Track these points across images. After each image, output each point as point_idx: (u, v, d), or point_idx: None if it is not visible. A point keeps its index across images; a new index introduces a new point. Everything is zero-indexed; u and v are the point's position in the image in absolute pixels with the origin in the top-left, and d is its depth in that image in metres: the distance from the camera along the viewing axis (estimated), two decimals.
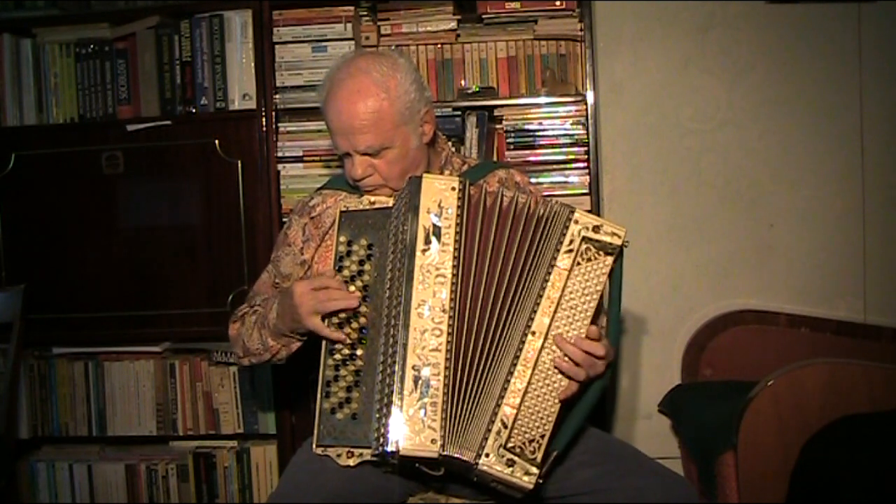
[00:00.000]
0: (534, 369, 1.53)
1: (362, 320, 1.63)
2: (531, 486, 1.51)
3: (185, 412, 2.67)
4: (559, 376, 1.54)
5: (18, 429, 2.67)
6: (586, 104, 2.54)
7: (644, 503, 1.59)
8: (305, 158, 2.58)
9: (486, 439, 1.51)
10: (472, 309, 1.55)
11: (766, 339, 2.70)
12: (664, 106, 2.77)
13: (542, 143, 2.56)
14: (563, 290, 1.54)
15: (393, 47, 2.56)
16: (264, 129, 2.57)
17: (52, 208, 2.63)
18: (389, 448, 1.49)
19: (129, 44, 2.63)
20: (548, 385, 1.54)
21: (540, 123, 2.56)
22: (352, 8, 2.58)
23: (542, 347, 1.53)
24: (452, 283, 1.54)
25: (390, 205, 1.66)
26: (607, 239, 1.56)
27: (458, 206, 1.57)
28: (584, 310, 1.54)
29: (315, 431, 1.63)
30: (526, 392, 1.52)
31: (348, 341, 1.63)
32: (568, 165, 2.55)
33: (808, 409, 2.10)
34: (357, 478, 1.61)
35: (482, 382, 1.54)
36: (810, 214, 2.75)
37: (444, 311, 1.53)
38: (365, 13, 2.63)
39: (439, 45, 2.63)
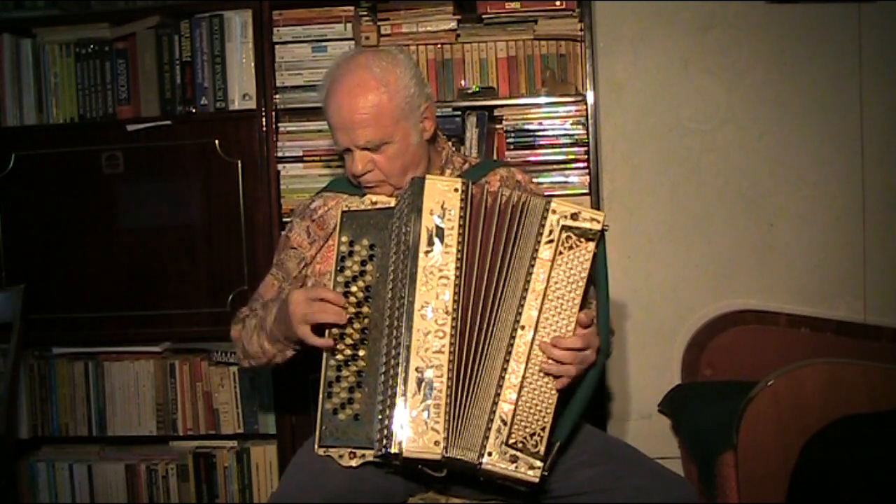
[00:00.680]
0: (527, 363, 1.53)
1: (364, 321, 1.63)
2: (537, 480, 1.51)
3: (185, 412, 2.67)
4: None
5: (18, 429, 2.67)
6: (586, 104, 2.54)
7: (644, 503, 1.59)
8: (305, 158, 2.58)
9: (488, 438, 1.51)
10: (474, 310, 1.56)
11: (766, 339, 2.70)
12: (664, 106, 2.77)
13: (542, 143, 2.56)
14: (548, 281, 1.54)
15: (394, 48, 2.56)
16: (264, 129, 2.57)
17: (52, 208, 2.63)
18: (392, 449, 1.49)
19: (129, 44, 2.63)
20: (543, 377, 1.54)
21: (540, 123, 2.56)
22: (352, 8, 2.58)
23: (533, 340, 1.53)
24: (455, 285, 1.54)
25: (392, 205, 1.66)
26: (587, 225, 1.56)
27: (461, 208, 1.57)
28: (571, 298, 1.54)
29: (317, 432, 1.62)
30: (522, 386, 1.53)
31: (334, 349, 1.62)
32: (568, 165, 2.55)
33: (808, 409, 2.10)
34: (358, 478, 1.61)
35: (479, 381, 1.54)
36: (810, 214, 2.75)
37: (446, 312, 1.53)
38: (365, 13, 2.63)
39: (439, 45, 2.63)
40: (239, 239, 2.57)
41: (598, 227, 1.56)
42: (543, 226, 1.56)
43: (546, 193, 2.34)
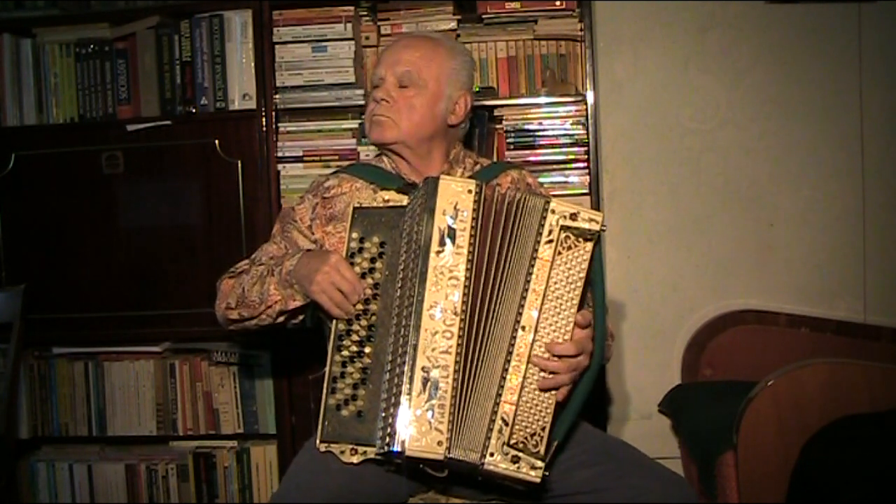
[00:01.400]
0: (527, 364, 1.53)
1: (372, 318, 1.63)
2: (538, 480, 1.51)
3: (185, 412, 2.67)
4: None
5: (18, 429, 2.67)
6: (586, 104, 2.54)
7: (642, 503, 1.59)
8: (305, 158, 2.58)
9: (489, 438, 1.51)
10: (480, 310, 1.55)
11: (766, 339, 2.70)
12: (664, 106, 2.77)
13: (542, 143, 2.56)
14: (547, 282, 1.54)
15: None
16: (264, 129, 2.57)
17: (52, 208, 2.63)
18: (395, 448, 1.49)
19: (129, 44, 2.63)
20: (542, 377, 1.54)
21: (540, 123, 2.56)
22: (352, 8, 2.58)
23: (534, 341, 1.53)
24: (465, 286, 1.54)
25: (404, 203, 1.66)
26: (585, 225, 1.56)
27: (474, 210, 1.57)
28: (569, 299, 1.54)
29: (319, 427, 1.62)
30: (522, 387, 1.53)
31: (344, 317, 1.63)
32: (568, 165, 2.55)
33: (808, 409, 2.10)
34: (359, 478, 1.61)
35: (482, 382, 1.54)
36: (810, 214, 2.75)
37: (455, 313, 1.53)
38: (365, 13, 2.63)
39: None
40: (239, 239, 2.57)
41: (596, 227, 1.56)
42: (543, 225, 1.56)
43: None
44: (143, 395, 2.68)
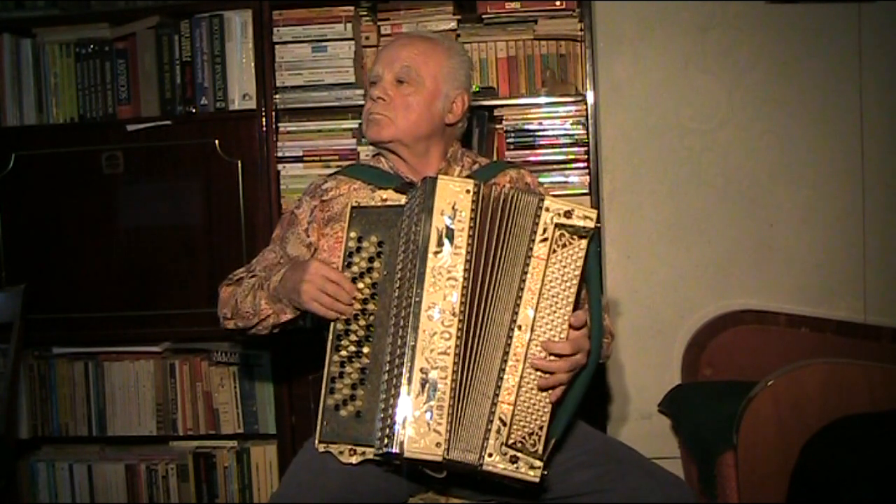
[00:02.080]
0: (524, 363, 1.53)
1: (370, 318, 1.63)
2: (538, 480, 1.52)
3: (185, 412, 2.67)
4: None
5: (18, 429, 2.67)
6: (586, 104, 2.54)
7: None
8: (305, 158, 2.58)
9: (488, 439, 1.51)
10: (478, 311, 1.55)
11: (766, 339, 2.70)
12: (664, 106, 2.77)
13: (542, 143, 2.56)
14: (543, 280, 1.54)
15: None
16: (264, 129, 2.57)
17: (52, 208, 2.63)
18: (394, 449, 1.49)
19: (129, 44, 2.63)
20: (538, 377, 1.54)
21: (540, 123, 2.56)
22: (352, 8, 2.58)
23: (530, 340, 1.53)
24: (463, 287, 1.54)
25: (402, 203, 1.66)
26: (580, 223, 1.56)
27: (472, 210, 1.56)
28: (565, 297, 1.54)
29: (318, 428, 1.62)
30: (519, 387, 1.53)
31: (343, 317, 1.63)
32: (568, 165, 2.55)
33: (808, 409, 2.10)
34: (358, 478, 1.61)
35: (480, 382, 1.54)
36: (810, 214, 2.75)
37: (453, 314, 1.53)
38: (365, 13, 2.63)
39: None
40: (239, 239, 2.57)
41: (591, 224, 1.56)
42: (537, 223, 1.56)
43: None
44: (143, 395, 2.68)
